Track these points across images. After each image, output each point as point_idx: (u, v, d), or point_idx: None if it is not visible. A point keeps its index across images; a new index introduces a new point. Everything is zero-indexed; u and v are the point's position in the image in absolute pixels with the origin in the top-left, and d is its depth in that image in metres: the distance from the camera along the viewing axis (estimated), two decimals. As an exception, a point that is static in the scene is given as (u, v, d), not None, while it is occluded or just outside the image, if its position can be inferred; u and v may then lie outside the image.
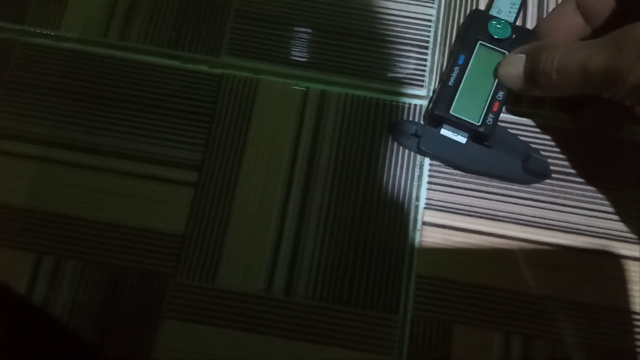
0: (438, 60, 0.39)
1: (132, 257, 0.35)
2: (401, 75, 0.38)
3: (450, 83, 0.35)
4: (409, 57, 0.39)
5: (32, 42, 0.39)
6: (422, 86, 0.38)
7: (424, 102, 0.38)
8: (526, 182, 0.36)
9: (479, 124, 0.35)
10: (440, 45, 0.39)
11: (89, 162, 0.36)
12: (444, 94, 0.35)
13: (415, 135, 0.36)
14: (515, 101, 0.38)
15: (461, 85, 0.35)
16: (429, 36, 0.39)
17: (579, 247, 0.35)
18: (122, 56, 0.38)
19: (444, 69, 0.38)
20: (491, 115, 0.35)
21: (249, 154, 0.37)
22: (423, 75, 0.38)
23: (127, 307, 0.34)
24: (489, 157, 0.36)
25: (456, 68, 0.36)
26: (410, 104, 0.38)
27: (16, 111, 0.37)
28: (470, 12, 0.38)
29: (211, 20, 0.39)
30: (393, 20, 0.39)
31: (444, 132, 0.36)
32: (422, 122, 0.37)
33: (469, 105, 0.35)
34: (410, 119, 0.38)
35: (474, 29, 0.36)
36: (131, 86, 0.38)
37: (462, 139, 0.36)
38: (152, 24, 0.39)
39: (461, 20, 0.40)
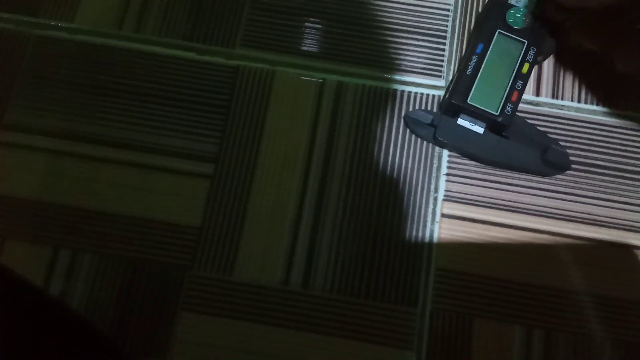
0: (456, 50, 0.39)
1: (149, 250, 0.36)
2: (419, 66, 0.39)
3: (468, 72, 0.35)
4: (427, 47, 0.39)
5: (46, 34, 0.39)
6: (440, 76, 0.39)
7: (442, 93, 0.38)
8: (545, 173, 0.36)
9: (497, 113, 0.35)
10: (458, 35, 0.40)
11: (104, 155, 0.37)
12: (462, 83, 0.35)
13: (432, 125, 0.36)
14: (535, 91, 0.38)
15: (479, 75, 0.36)
16: (447, 26, 0.40)
17: (600, 239, 0.36)
18: (137, 48, 0.39)
19: (460, 56, 0.39)
20: (510, 105, 0.35)
21: (265, 146, 0.37)
22: (441, 66, 0.39)
23: (144, 300, 0.35)
24: (507, 148, 0.36)
25: (474, 57, 0.36)
26: (428, 94, 0.38)
27: (31, 104, 0.38)
28: (488, 0, 0.38)
29: (226, 11, 0.40)
30: (410, 10, 0.40)
31: (461, 122, 0.36)
32: (438, 111, 0.37)
33: (487, 94, 0.35)
34: (428, 109, 0.38)
35: (492, 17, 0.37)
36: (146, 78, 0.38)
37: (479, 129, 0.36)
38: (167, 16, 0.40)
39: (479, 10, 0.40)
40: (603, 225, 0.36)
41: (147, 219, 0.36)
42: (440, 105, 0.38)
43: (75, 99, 0.38)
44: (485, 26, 0.37)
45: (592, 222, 0.36)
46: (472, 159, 0.37)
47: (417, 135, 0.38)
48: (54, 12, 0.40)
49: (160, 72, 0.39)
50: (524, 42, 0.36)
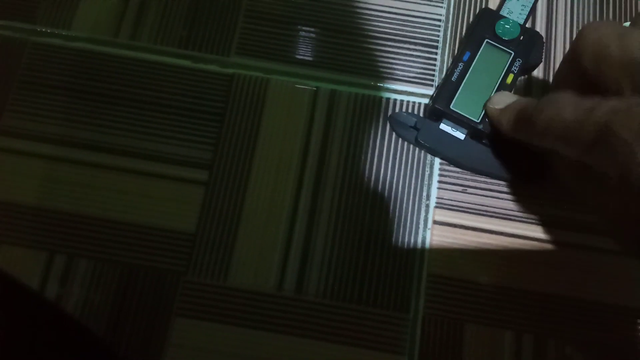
0: (447, 59, 0.40)
1: (144, 256, 0.36)
2: (411, 75, 0.40)
3: (454, 78, 0.37)
4: (419, 56, 0.40)
5: (42, 41, 0.40)
6: (431, 85, 0.40)
7: (434, 101, 0.39)
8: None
9: (479, 121, 0.36)
10: (449, 45, 0.41)
11: (99, 161, 0.38)
12: (446, 89, 0.36)
13: (415, 127, 0.37)
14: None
15: (464, 82, 0.37)
16: (438, 36, 0.41)
17: (590, 245, 0.36)
18: (133, 56, 0.40)
19: (449, 64, 0.40)
20: None
21: (259, 153, 0.38)
22: (433, 75, 0.40)
23: (138, 306, 0.35)
24: (487, 155, 0.37)
25: (460, 64, 0.37)
26: (420, 103, 0.39)
27: (27, 110, 0.39)
28: (480, 10, 0.39)
29: (221, 20, 0.41)
30: (403, 20, 0.41)
31: (443, 126, 0.37)
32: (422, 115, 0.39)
33: (470, 101, 0.36)
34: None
35: (482, 26, 0.38)
36: (142, 86, 0.39)
37: (460, 135, 0.37)
38: (162, 24, 0.41)
39: (470, 21, 0.41)
40: (593, 232, 0.37)
41: (143, 224, 0.37)
42: (424, 109, 0.39)
43: (71, 105, 0.39)
44: (474, 35, 0.38)
45: (583, 229, 0.37)
46: (451, 164, 0.38)
47: (399, 137, 0.38)
48: (50, 20, 0.41)
49: (155, 80, 0.40)
50: (511, 53, 0.37)
